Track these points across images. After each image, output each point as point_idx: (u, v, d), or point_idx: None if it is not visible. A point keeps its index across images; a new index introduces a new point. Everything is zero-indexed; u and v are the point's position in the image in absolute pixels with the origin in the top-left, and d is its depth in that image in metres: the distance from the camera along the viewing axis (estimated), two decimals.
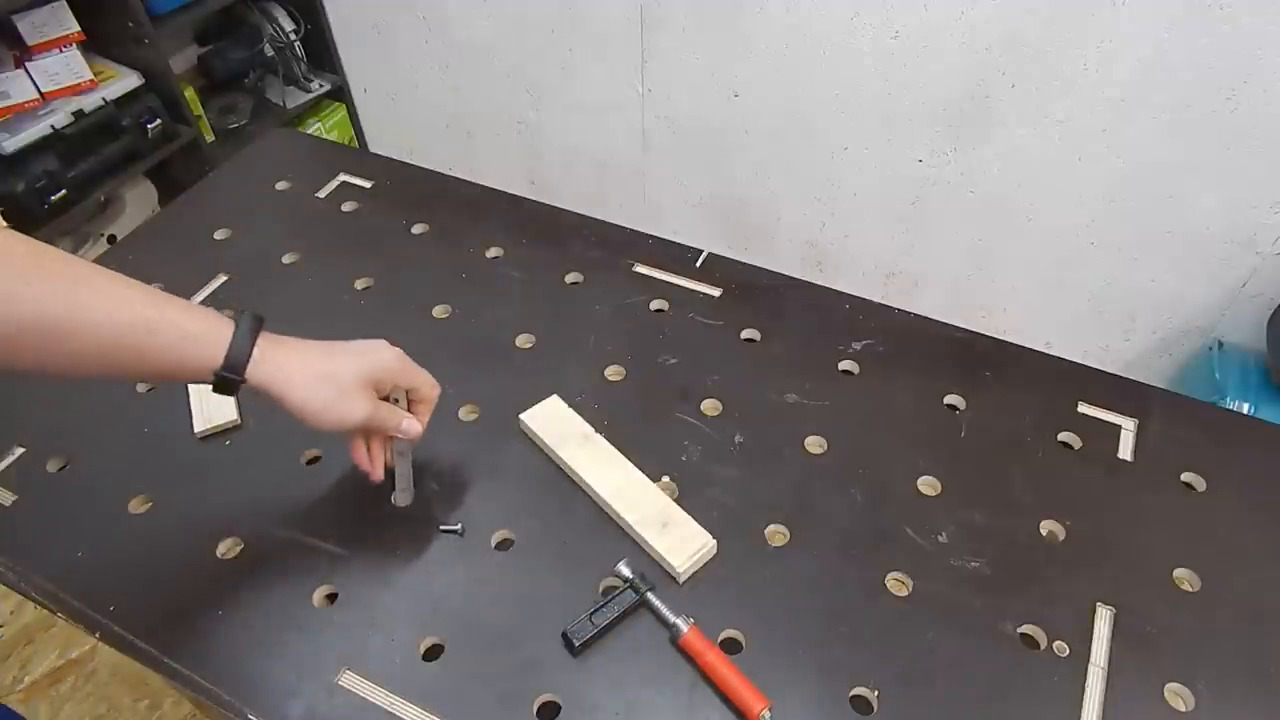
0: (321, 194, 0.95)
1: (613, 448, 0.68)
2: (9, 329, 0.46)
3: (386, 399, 0.60)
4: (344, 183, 0.97)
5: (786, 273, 0.84)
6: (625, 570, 0.60)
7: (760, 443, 0.70)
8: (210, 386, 0.53)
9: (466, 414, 0.72)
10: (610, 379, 0.75)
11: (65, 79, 1.62)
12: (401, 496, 0.66)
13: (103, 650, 1.40)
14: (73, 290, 0.48)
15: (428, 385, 0.62)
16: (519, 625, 0.59)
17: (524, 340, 0.79)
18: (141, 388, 0.74)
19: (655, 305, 0.82)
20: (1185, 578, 0.62)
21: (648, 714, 0.55)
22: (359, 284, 0.84)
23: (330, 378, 0.55)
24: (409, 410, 0.62)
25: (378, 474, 0.62)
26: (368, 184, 0.96)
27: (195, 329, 0.51)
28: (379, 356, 0.58)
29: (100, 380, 0.53)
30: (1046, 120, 1.31)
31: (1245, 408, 1.25)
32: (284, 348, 0.55)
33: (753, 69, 1.49)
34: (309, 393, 0.54)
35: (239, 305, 0.80)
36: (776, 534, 0.64)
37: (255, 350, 0.53)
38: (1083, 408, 0.73)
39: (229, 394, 0.53)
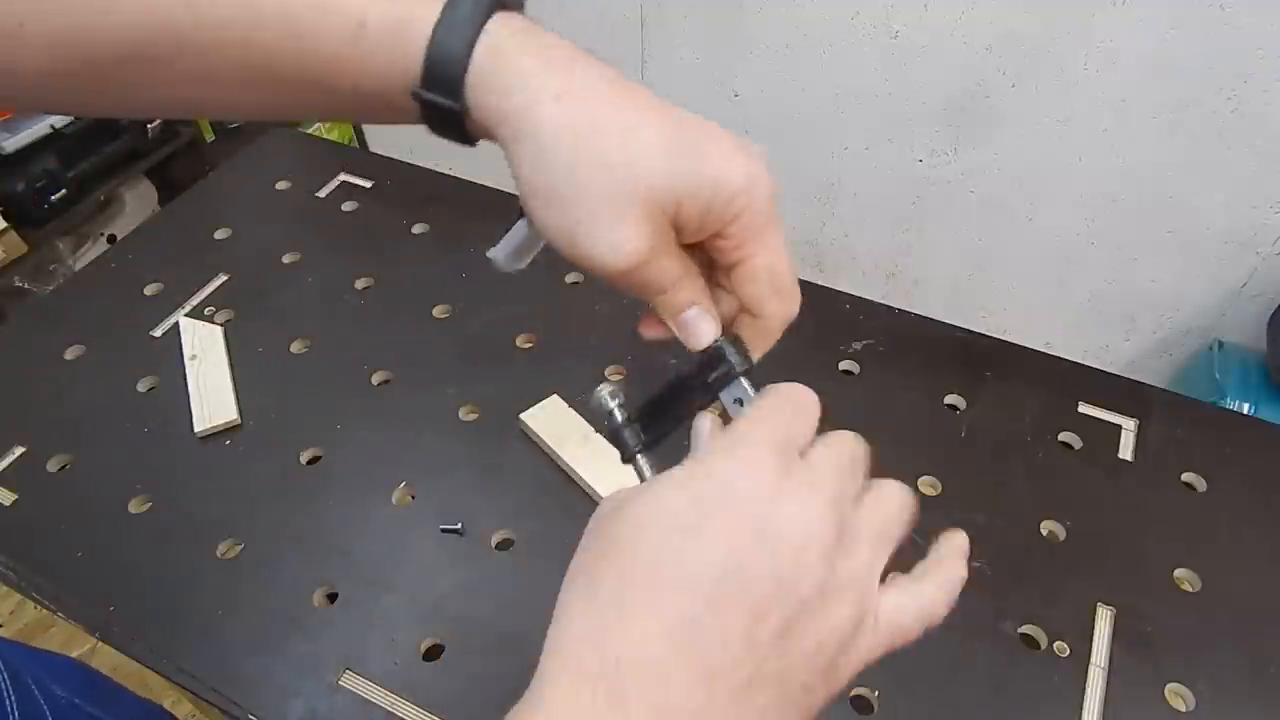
0: (321, 194, 0.95)
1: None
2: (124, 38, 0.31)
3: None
4: (344, 182, 0.97)
5: None
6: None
7: None
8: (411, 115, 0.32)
9: (466, 414, 0.72)
10: (610, 379, 0.75)
11: None
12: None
13: (103, 650, 1.40)
14: None
15: (772, 237, 0.33)
16: (519, 625, 0.59)
17: (524, 340, 0.79)
18: (142, 386, 0.74)
19: None
20: (1185, 578, 0.62)
21: None
22: (359, 284, 0.84)
23: (606, 164, 0.30)
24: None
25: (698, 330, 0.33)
26: (368, 184, 0.96)
27: None
28: (714, 163, 0.31)
29: (256, 109, 0.35)
30: (1046, 120, 1.31)
31: (1245, 408, 1.25)
32: (555, 56, 0.31)
33: (753, 69, 1.49)
34: (546, 183, 0.30)
35: (239, 305, 0.81)
36: None
37: (491, 31, 0.30)
38: (1083, 408, 0.73)
39: (449, 118, 0.31)
